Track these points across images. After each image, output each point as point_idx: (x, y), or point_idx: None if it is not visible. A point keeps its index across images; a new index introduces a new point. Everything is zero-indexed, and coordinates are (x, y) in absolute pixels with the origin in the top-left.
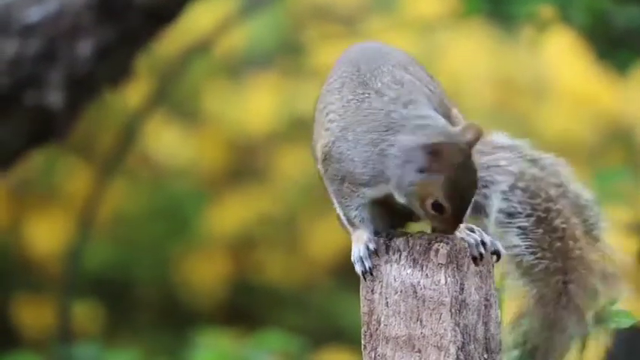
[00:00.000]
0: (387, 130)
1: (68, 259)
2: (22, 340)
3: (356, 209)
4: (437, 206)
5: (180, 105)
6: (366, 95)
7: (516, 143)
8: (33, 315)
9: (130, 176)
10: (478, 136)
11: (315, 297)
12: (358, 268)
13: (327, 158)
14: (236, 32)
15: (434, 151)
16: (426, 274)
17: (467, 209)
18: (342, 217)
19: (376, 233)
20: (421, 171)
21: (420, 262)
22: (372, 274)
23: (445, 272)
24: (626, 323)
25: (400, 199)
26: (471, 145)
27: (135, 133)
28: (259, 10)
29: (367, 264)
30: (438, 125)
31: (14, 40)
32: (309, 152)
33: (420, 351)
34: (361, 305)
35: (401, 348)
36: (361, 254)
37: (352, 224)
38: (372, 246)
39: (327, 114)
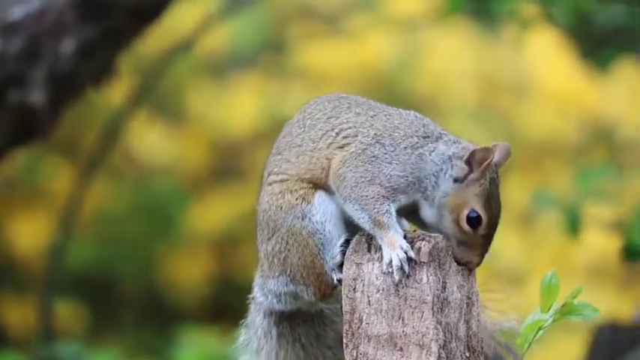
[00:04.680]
0: (425, 137)
1: (51, 257)
2: (6, 339)
3: (386, 210)
4: (473, 219)
5: (164, 104)
6: (391, 110)
7: None
8: (17, 314)
9: (113, 175)
10: (507, 155)
11: None
12: (397, 276)
13: (350, 164)
14: (219, 31)
15: (471, 161)
16: (408, 273)
17: (495, 233)
18: (367, 220)
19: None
20: (457, 181)
21: None
22: (407, 278)
23: (427, 270)
24: (591, 316)
25: (428, 212)
26: (499, 165)
27: (118, 131)
28: (242, 8)
29: (407, 269)
30: (470, 144)
31: None
32: None
33: (401, 349)
34: (343, 304)
35: (383, 346)
36: (400, 258)
37: (381, 226)
38: (409, 250)
39: (339, 132)
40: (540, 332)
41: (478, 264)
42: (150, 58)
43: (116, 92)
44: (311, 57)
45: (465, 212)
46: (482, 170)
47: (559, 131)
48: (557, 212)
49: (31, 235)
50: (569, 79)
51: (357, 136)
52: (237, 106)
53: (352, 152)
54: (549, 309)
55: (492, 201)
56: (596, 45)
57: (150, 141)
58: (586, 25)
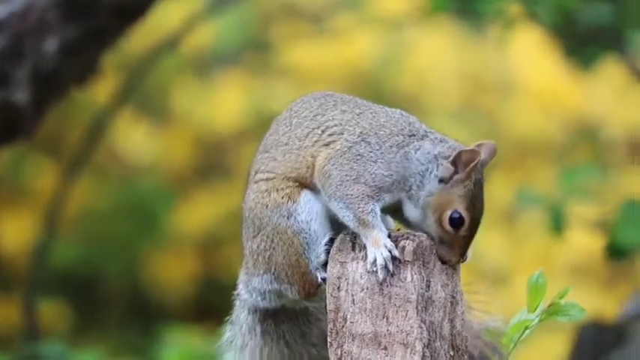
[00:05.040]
0: (411, 135)
1: (35, 256)
2: None
3: (371, 209)
4: (456, 220)
5: (149, 102)
6: (377, 107)
7: None
8: (0, 313)
9: (97, 174)
10: (493, 155)
11: None
12: (381, 275)
13: (336, 162)
14: (204, 29)
15: (457, 162)
16: (393, 271)
17: (476, 234)
18: (352, 219)
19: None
20: (442, 181)
21: None
22: (392, 276)
23: (411, 269)
24: (577, 316)
25: (411, 211)
26: (485, 164)
27: (103, 130)
28: (227, 7)
29: (391, 268)
30: (456, 143)
31: None
32: None
33: (386, 348)
34: (327, 302)
35: (367, 345)
36: (385, 257)
37: (365, 225)
38: (393, 249)
39: (324, 130)
40: (527, 332)
41: (457, 262)
42: (135, 56)
43: (101, 90)
44: (296, 56)
45: (448, 213)
46: (469, 172)
47: (543, 130)
48: (541, 211)
49: (15, 233)
50: (553, 78)
51: (342, 133)
52: (222, 104)
53: (338, 150)
54: (536, 309)
55: (476, 202)
56: (580, 44)
57: (134, 139)
58: (570, 23)
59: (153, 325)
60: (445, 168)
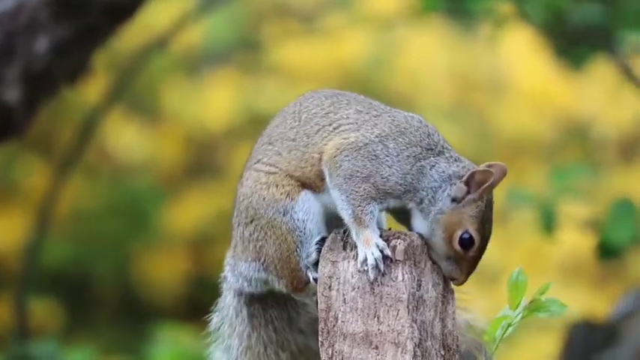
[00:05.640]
0: (429, 149)
1: (26, 255)
2: None
3: (370, 211)
4: (466, 240)
5: (139, 101)
6: (395, 112)
7: None
8: None
9: (88, 173)
10: (503, 176)
11: None
12: (372, 275)
13: (349, 154)
14: (194, 28)
15: (470, 182)
16: (384, 271)
17: (484, 254)
18: (349, 214)
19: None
20: (454, 200)
21: None
22: (383, 276)
23: (402, 269)
24: (558, 312)
25: (419, 223)
26: (494, 184)
27: (93, 129)
28: (217, 6)
29: (382, 267)
30: (469, 163)
31: None
32: None
33: (377, 347)
34: (318, 302)
35: (358, 344)
36: (375, 257)
37: (360, 223)
38: (385, 248)
39: (337, 127)
40: (510, 329)
41: (464, 282)
42: (125, 55)
43: (91, 90)
44: (286, 55)
45: (459, 233)
46: (481, 192)
47: (534, 129)
48: (532, 210)
49: (6, 232)
50: (544, 78)
51: (359, 130)
52: (212, 103)
53: (352, 142)
54: (517, 306)
55: (486, 223)
56: (571, 43)
57: (125, 138)
58: (560, 23)
59: (144, 324)
60: (458, 188)
